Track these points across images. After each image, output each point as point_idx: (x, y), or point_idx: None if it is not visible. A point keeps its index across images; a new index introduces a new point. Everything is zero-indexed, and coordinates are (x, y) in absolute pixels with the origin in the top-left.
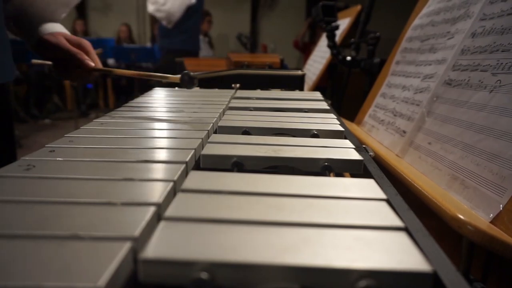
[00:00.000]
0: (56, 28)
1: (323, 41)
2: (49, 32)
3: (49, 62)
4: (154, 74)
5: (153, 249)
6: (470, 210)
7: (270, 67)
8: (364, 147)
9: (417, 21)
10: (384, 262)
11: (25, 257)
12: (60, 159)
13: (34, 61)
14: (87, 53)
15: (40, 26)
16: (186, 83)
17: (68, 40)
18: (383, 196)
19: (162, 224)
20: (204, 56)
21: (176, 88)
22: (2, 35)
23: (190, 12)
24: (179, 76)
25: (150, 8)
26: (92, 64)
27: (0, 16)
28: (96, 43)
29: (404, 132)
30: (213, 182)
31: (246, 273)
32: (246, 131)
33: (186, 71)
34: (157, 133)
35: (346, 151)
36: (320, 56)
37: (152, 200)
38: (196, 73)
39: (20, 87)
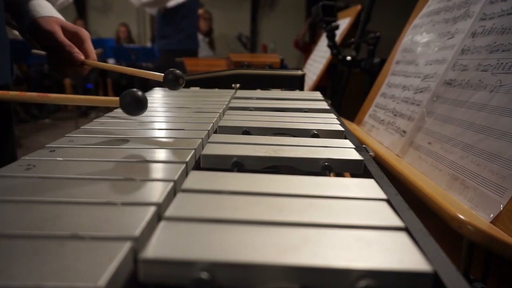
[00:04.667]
0: (51, 11)
1: (323, 41)
2: (43, 16)
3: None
4: (142, 71)
5: (153, 249)
6: (470, 210)
7: (270, 67)
8: (364, 147)
9: (417, 21)
10: (384, 262)
11: (25, 257)
12: (60, 159)
13: (34, 51)
14: (81, 43)
15: (31, 1)
16: (170, 82)
17: (64, 28)
18: (383, 196)
19: (162, 224)
20: (204, 56)
21: None
22: (2, 35)
23: (185, 11)
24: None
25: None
26: (82, 57)
27: (1, 17)
28: (96, 43)
29: (404, 132)
30: (213, 182)
31: (246, 273)
32: (246, 131)
33: (172, 69)
34: (157, 133)
35: (346, 151)
36: (320, 56)
37: (152, 200)
38: (192, 74)
39: (20, 87)
